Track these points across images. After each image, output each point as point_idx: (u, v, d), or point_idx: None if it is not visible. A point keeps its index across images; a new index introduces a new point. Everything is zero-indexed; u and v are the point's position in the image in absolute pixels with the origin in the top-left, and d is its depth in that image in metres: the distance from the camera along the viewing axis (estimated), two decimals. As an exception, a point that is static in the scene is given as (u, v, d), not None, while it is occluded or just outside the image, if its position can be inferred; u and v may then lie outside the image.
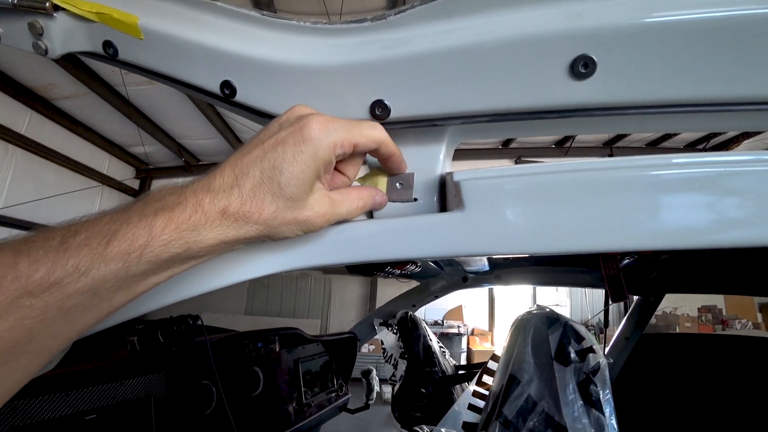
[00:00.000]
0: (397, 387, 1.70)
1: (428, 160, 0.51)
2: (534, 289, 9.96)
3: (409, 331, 1.87)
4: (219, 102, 0.52)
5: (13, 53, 5.97)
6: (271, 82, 0.48)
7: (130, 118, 7.68)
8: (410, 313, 2.03)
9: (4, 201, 6.98)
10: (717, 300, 8.91)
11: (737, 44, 0.36)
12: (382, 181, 0.52)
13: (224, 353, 1.70)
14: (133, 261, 0.34)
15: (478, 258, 1.78)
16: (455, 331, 9.61)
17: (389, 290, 9.23)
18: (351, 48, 0.47)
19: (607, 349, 2.28)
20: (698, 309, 8.99)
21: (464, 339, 9.69)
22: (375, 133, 0.45)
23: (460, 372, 1.94)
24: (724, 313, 8.86)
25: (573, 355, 1.01)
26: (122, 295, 0.37)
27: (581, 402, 0.94)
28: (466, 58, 0.43)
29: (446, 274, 2.17)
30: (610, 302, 1.54)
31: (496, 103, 0.44)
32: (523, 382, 1.00)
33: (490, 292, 9.90)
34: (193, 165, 9.84)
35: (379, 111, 0.47)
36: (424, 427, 1.57)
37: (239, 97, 0.50)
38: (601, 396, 0.96)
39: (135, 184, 10.00)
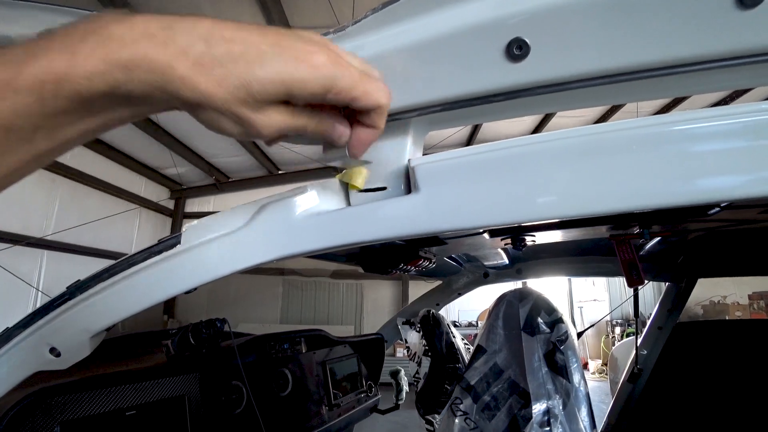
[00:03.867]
0: (421, 384, 1.73)
1: (396, 151, 0.56)
2: (570, 286, 9.70)
3: (432, 329, 1.90)
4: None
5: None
6: None
7: (161, 141, 8.11)
8: (432, 311, 2.06)
9: (53, 227, 7.49)
10: (770, 285, 8.36)
11: (651, 9, 0.39)
12: (361, 176, 0.56)
13: (252, 354, 1.78)
14: (48, 94, 0.28)
15: (494, 252, 1.80)
16: (490, 331, 9.46)
17: (420, 291, 9.22)
18: None
19: (639, 340, 2.22)
20: (749, 296, 8.48)
21: (500, 339, 9.52)
22: (381, 99, 0.40)
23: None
24: (779, 298, 8.32)
25: (543, 326, 1.03)
26: (45, 138, 0.31)
27: (546, 369, 0.96)
28: (413, 55, 0.48)
29: (467, 270, 2.18)
30: (629, 287, 1.51)
31: (445, 93, 0.48)
32: (489, 352, 1.03)
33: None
34: (223, 182, 10.26)
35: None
36: (436, 416, 1.60)
37: None
38: (568, 364, 0.96)
39: (170, 204, 10.51)
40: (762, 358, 1.90)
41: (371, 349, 2.49)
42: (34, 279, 7.19)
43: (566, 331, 1.05)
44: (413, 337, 2.01)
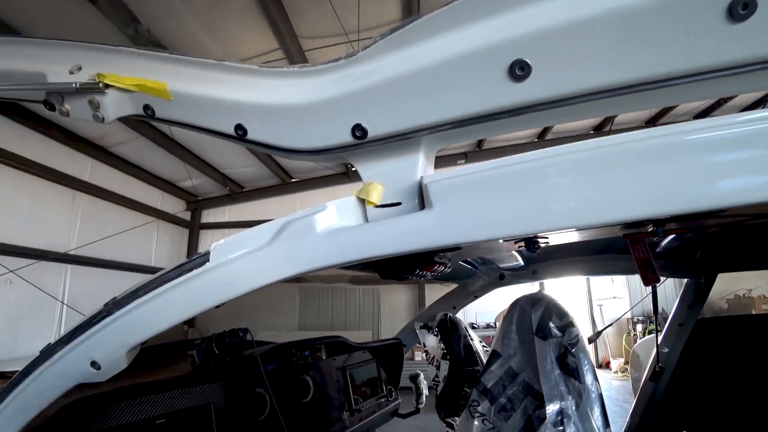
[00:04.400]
0: (440, 388, 1.75)
1: (408, 168, 0.59)
2: (588, 284, 9.57)
3: (449, 333, 1.92)
4: (234, 141, 0.64)
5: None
6: (273, 120, 0.59)
7: (176, 155, 8.29)
8: (449, 314, 2.07)
9: (76, 242, 7.70)
10: (799, 276, 8.09)
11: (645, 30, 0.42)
12: (376, 192, 0.60)
13: (274, 362, 1.82)
14: None
15: (508, 254, 1.81)
16: (508, 332, 9.37)
17: (436, 294, 9.21)
18: (331, 84, 0.56)
19: (660, 338, 2.20)
20: (776, 289, 8.26)
21: (518, 340, 9.41)
22: None
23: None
24: (808, 290, 8.07)
25: (554, 330, 1.05)
26: None
27: (558, 371, 0.99)
28: (421, 78, 0.51)
29: (482, 273, 2.20)
30: (645, 286, 1.51)
31: (454, 112, 0.51)
32: (504, 356, 1.05)
33: (542, 288, 9.64)
34: (237, 192, 10.42)
35: (358, 133, 0.56)
36: (457, 419, 1.61)
37: (250, 136, 0.61)
38: (580, 366, 0.98)
39: (187, 216, 10.71)
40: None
41: (390, 354, 2.51)
42: (60, 293, 7.39)
43: (577, 335, 1.07)
44: (431, 341, 2.03)
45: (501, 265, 2.04)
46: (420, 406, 2.45)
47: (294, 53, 5.70)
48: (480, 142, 9.14)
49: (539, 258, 2.08)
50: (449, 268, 1.69)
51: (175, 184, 10.05)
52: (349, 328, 10.29)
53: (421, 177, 0.56)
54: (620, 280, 9.47)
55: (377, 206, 0.60)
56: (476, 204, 0.49)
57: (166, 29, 5.19)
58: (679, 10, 0.42)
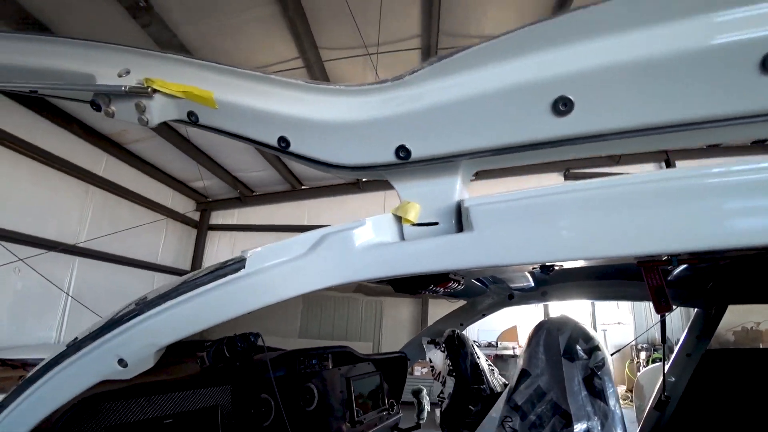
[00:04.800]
0: (445, 404, 1.75)
1: (446, 190, 0.61)
2: (593, 308, 9.48)
3: (456, 349, 1.92)
4: (277, 152, 0.66)
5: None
6: (317, 135, 0.61)
7: (190, 155, 8.39)
8: (457, 331, 2.07)
9: (86, 235, 7.77)
10: (808, 312, 7.97)
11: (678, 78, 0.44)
12: (414, 211, 0.62)
13: (282, 369, 1.83)
14: None
15: (520, 275, 1.82)
16: (510, 352, 9.28)
17: (440, 311, 9.15)
18: (376, 104, 0.59)
19: (667, 367, 2.18)
20: (784, 323, 8.12)
21: (520, 360, 9.30)
22: None
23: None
24: (817, 325, 7.92)
25: (581, 352, 1.07)
26: None
27: (585, 392, 1.02)
28: (467, 106, 0.53)
29: (492, 291, 2.20)
30: (656, 314, 1.51)
31: (496, 141, 0.53)
32: (533, 375, 1.07)
33: (546, 310, 9.53)
34: (247, 196, 10.50)
35: (402, 154, 0.58)
36: None
37: (293, 148, 0.63)
38: (605, 388, 1.01)
39: (196, 216, 10.79)
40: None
41: (394, 367, 2.51)
42: (66, 284, 7.44)
43: (603, 358, 1.11)
44: (438, 357, 2.03)
45: (512, 285, 2.04)
46: (421, 422, 2.44)
47: (313, 63, 5.79)
48: (491, 160, 9.15)
49: (550, 280, 2.08)
50: (462, 285, 1.71)
51: (186, 184, 10.15)
52: (350, 338, 10.24)
53: (462, 200, 0.58)
54: (625, 305, 9.37)
55: (414, 224, 0.62)
56: (518, 229, 0.51)
57: (190, 33, 5.30)
58: (716, 61, 0.44)
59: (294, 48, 5.66)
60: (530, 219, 0.50)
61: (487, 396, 1.78)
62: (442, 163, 0.60)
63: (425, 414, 2.44)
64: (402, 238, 0.63)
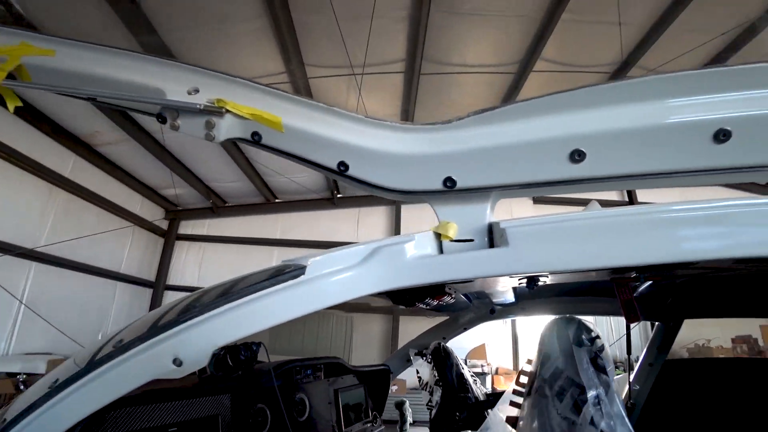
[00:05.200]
0: (434, 412, 1.84)
1: (479, 214, 0.74)
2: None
3: (443, 360, 2.02)
4: (334, 175, 0.77)
5: (66, 104, 6.58)
6: (374, 163, 0.73)
7: (164, 162, 8.20)
8: (442, 343, 2.18)
9: (45, 239, 7.35)
10: (752, 329, 8.59)
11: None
12: (452, 229, 0.73)
13: (279, 379, 1.88)
14: None
15: (505, 290, 1.96)
16: (479, 370, 9.36)
17: (410, 327, 9.26)
18: (428, 141, 0.72)
19: (632, 376, 2.37)
20: (732, 339, 8.70)
21: (489, 378, 9.47)
22: None
23: (491, 398, 2.06)
24: (760, 343, 8.53)
25: (585, 341, 1.50)
26: None
27: (592, 369, 1.40)
28: (504, 150, 0.67)
29: (475, 306, 2.33)
30: (628, 324, 1.68)
31: (524, 178, 0.68)
32: (552, 359, 1.50)
33: (513, 329, 9.78)
34: (219, 206, 10.33)
35: (449, 183, 0.70)
36: None
37: (350, 172, 0.74)
38: (605, 366, 1.43)
39: (164, 225, 10.48)
40: (743, 392, 2.08)
41: (377, 380, 2.58)
42: (20, 290, 7.00)
43: (602, 345, 1.53)
44: (424, 368, 2.13)
45: (495, 300, 2.18)
46: (404, 432, 2.51)
47: (299, 79, 5.89)
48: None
49: (529, 296, 2.24)
50: (453, 299, 1.83)
51: (156, 191, 9.87)
52: (319, 353, 10.12)
53: (497, 222, 0.70)
54: (589, 321, 9.76)
55: (452, 240, 0.74)
56: (544, 245, 0.64)
57: (180, 39, 5.29)
58: (683, 132, 0.61)
59: (281, 63, 5.76)
60: (552, 237, 0.65)
61: (472, 404, 1.89)
62: (478, 193, 0.72)
63: (407, 426, 2.52)
64: (440, 251, 0.74)
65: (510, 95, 6.38)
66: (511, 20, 5.42)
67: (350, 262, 0.72)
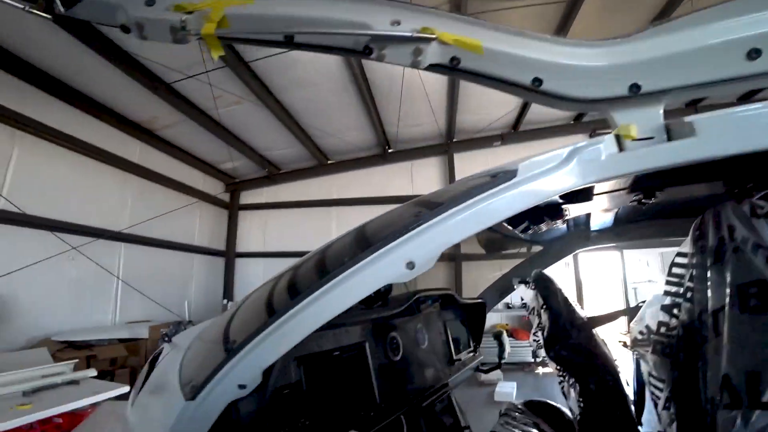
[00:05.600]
0: (546, 333, 1.97)
1: (656, 115, 0.83)
2: (623, 268, 9.66)
3: (547, 287, 2.13)
4: (526, 91, 0.86)
5: (126, 95, 6.96)
6: (566, 76, 0.82)
7: (219, 137, 8.55)
8: (543, 271, 2.28)
9: (128, 221, 8.06)
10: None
11: None
12: (634, 130, 0.81)
13: (406, 311, 2.06)
14: None
15: (608, 213, 2.01)
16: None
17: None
18: (612, 54, 0.83)
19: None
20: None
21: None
22: None
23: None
24: None
25: None
26: None
27: None
28: (683, 55, 0.77)
29: (571, 234, 2.40)
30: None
31: (703, 78, 0.77)
32: None
33: (576, 272, 9.61)
34: (274, 174, 10.72)
35: (634, 89, 0.78)
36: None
37: (544, 87, 0.84)
38: None
39: (226, 197, 11.08)
40: None
41: (475, 313, 2.76)
42: (116, 269, 7.78)
43: None
44: (528, 295, 2.25)
45: (593, 226, 2.24)
46: (503, 361, 2.69)
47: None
48: (516, 125, 9.24)
49: (626, 219, 2.26)
50: (563, 223, 1.91)
51: (215, 166, 10.37)
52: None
53: (671, 120, 0.79)
54: (655, 263, 9.55)
55: (635, 140, 0.82)
56: (731, 130, 0.74)
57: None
58: None
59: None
60: (738, 123, 0.73)
61: (582, 323, 2.01)
62: (656, 96, 0.80)
63: (506, 354, 2.69)
64: (620, 150, 0.83)
65: (562, 27, 6.02)
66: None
67: (554, 163, 0.82)
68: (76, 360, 4.85)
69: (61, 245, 6.56)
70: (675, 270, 1.16)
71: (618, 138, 0.83)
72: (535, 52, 0.84)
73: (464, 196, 0.87)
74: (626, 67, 0.79)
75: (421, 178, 9.93)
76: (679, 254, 1.15)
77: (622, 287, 9.52)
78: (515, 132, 9.41)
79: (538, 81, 0.84)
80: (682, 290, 1.12)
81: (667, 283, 1.19)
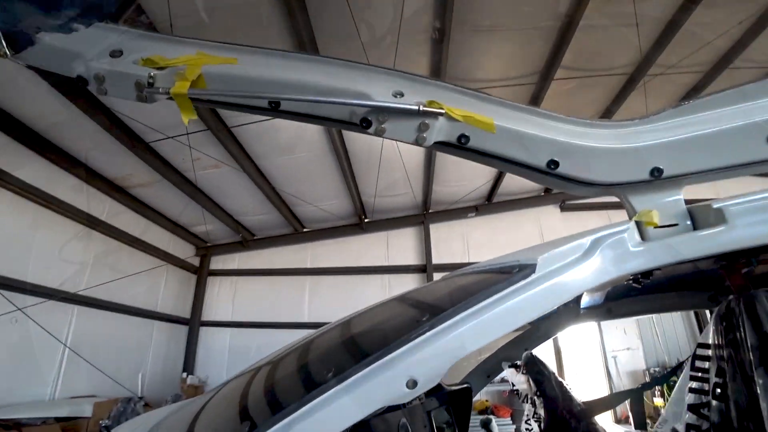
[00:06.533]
0: (543, 425, 1.81)
1: (676, 199, 0.78)
2: (601, 334, 9.58)
3: (540, 371, 2.00)
4: (540, 175, 0.81)
5: (102, 150, 6.77)
6: (584, 159, 0.77)
7: (195, 199, 8.35)
8: (534, 353, 2.16)
9: (86, 282, 7.49)
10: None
11: None
12: (656, 215, 0.76)
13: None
14: None
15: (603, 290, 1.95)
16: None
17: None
18: (630, 135, 0.78)
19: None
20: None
21: (532, 394, 9.13)
22: None
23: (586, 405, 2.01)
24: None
25: None
26: None
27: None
28: (704, 137, 0.72)
29: (560, 312, 2.31)
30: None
31: (725, 162, 0.73)
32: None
33: (555, 343, 9.46)
34: (248, 240, 10.43)
35: (656, 173, 0.74)
36: None
37: (560, 170, 0.78)
38: None
39: (196, 261, 10.61)
40: None
41: (460, 399, 2.54)
42: (63, 334, 7.08)
43: None
44: (520, 380, 2.10)
45: (583, 303, 2.17)
46: (493, 449, 2.46)
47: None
48: (490, 197, 9.49)
49: (615, 296, 2.21)
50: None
51: (187, 229, 10.02)
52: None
53: (697, 204, 0.74)
54: (632, 330, 9.51)
55: (657, 227, 0.76)
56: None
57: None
58: None
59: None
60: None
61: (581, 411, 1.86)
62: (674, 180, 0.76)
63: (495, 442, 2.47)
64: (642, 239, 0.77)
65: (533, 104, 6.43)
66: (529, 33, 5.52)
67: (575, 255, 0.74)
68: (-1, 442, 4.19)
69: (6, 305, 5.94)
70: (698, 364, 1.06)
71: (638, 225, 0.77)
72: (550, 132, 0.80)
73: (476, 298, 0.74)
74: (648, 150, 0.76)
75: (397, 248, 9.88)
76: (700, 345, 1.06)
77: (601, 356, 9.36)
78: (489, 203, 9.64)
79: (554, 164, 0.79)
80: (708, 387, 1.01)
81: (692, 378, 1.08)
